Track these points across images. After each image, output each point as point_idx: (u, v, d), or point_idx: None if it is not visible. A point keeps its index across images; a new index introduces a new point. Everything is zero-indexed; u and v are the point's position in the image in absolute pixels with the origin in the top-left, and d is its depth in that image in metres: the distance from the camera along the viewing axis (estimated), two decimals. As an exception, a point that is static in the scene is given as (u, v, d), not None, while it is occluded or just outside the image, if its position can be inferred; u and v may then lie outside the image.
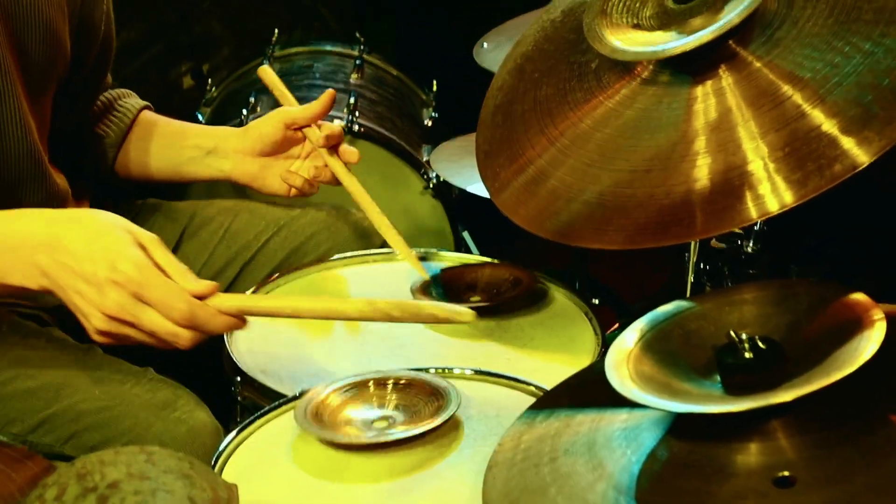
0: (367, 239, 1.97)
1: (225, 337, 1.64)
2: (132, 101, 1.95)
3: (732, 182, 1.17)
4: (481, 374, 1.48)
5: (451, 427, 1.36)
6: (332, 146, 1.87)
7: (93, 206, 1.84)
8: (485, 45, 2.41)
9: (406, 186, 2.78)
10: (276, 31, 3.11)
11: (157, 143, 1.91)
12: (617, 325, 2.42)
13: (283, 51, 3.03)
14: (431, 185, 2.75)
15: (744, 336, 1.04)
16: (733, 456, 1.00)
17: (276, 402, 1.43)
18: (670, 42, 1.27)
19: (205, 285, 1.38)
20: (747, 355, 1.03)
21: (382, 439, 1.32)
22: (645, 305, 1.17)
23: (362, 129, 2.66)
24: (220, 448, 1.35)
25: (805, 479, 0.94)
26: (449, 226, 2.79)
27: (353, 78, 2.92)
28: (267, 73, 2.04)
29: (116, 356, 1.65)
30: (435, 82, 3.06)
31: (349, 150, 1.89)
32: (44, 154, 1.68)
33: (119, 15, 1.87)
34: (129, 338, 1.38)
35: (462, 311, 1.41)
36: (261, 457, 1.35)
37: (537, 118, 1.40)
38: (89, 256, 1.34)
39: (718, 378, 1.05)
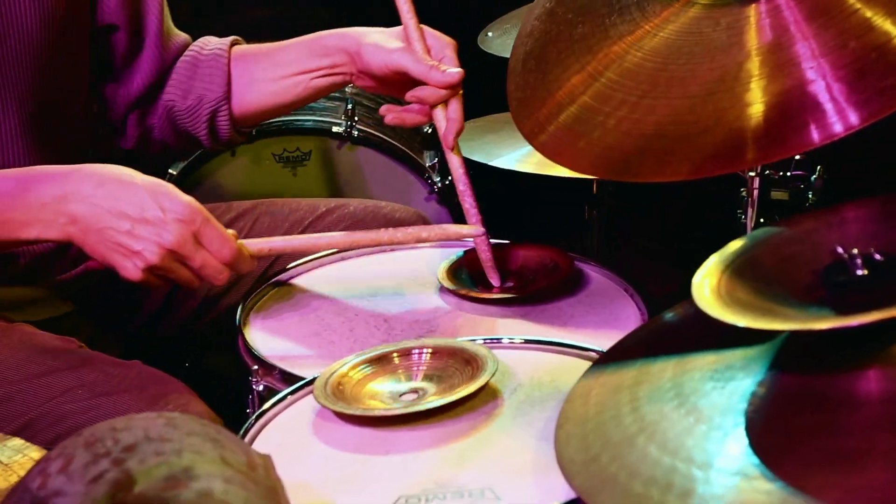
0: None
1: (240, 326, 1.51)
2: (214, 45, 1.75)
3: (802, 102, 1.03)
4: (532, 342, 1.34)
5: (498, 394, 1.22)
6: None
7: None
8: (489, 34, 2.32)
9: (410, 193, 2.66)
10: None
11: (266, 67, 1.72)
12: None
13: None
14: (437, 190, 2.63)
15: (855, 251, 0.90)
16: (855, 385, 0.85)
17: (297, 385, 1.28)
18: (725, -44, 1.15)
19: (233, 231, 1.45)
20: (860, 272, 0.89)
21: (412, 409, 1.18)
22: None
23: (362, 135, 2.53)
24: (240, 433, 1.20)
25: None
26: (457, 232, 2.67)
27: (349, 87, 2.78)
28: None
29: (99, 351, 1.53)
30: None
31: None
32: None
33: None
34: (172, 272, 1.41)
35: None
36: (288, 437, 1.22)
37: (576, 57, 1.27)
38: (142, 199, 1.38)
39: (824, 302, 0.91)
